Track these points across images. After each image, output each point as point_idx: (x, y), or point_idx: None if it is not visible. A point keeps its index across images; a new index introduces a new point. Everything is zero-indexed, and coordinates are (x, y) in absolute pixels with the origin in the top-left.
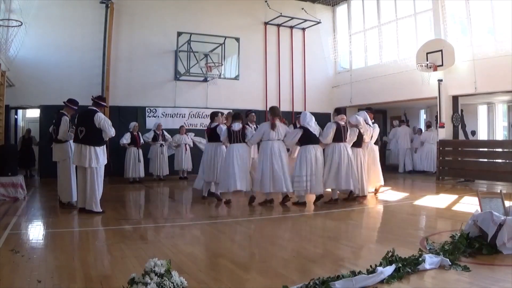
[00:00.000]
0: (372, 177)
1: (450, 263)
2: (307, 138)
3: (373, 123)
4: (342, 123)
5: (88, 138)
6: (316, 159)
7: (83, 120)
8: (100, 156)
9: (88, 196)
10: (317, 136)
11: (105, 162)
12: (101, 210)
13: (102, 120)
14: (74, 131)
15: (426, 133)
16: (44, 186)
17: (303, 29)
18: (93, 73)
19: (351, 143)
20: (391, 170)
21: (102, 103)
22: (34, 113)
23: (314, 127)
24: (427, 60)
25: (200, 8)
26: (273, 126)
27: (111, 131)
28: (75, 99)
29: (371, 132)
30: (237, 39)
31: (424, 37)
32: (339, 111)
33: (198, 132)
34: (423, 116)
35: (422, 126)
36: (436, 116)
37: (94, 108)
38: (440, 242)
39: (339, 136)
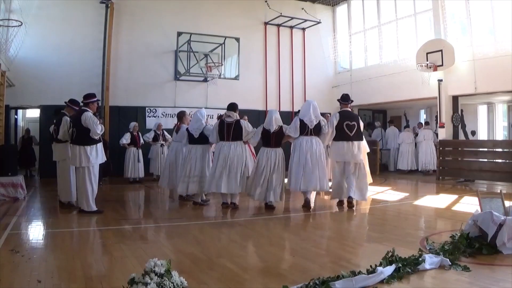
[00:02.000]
0: None
1: (450, 263)
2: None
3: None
4: (229, 120)
5: (78, 138)
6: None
7: (75, 121)
8: (91, 155)
9: (79, 195)
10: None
11: (100, 161)
12: (94, 210)
13: (88, 118)
14: None
15: (404, 133)
16: (44, 186)
17: (303, 29)
18: (93, 73)
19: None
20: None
21: (90, 100)
22: (34, 113)
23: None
24: (427, 60)
25: (200, 8)
26: (177, 130)
27: (96, 129)
28: (76, 100)
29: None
30: (237, 39)
31: (424, 37)
32: (230, 107)
33: None
34: (423, 116)
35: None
36: (436, 116)
37: (84, 108)
38: (440, 242)
39: (222, 135)
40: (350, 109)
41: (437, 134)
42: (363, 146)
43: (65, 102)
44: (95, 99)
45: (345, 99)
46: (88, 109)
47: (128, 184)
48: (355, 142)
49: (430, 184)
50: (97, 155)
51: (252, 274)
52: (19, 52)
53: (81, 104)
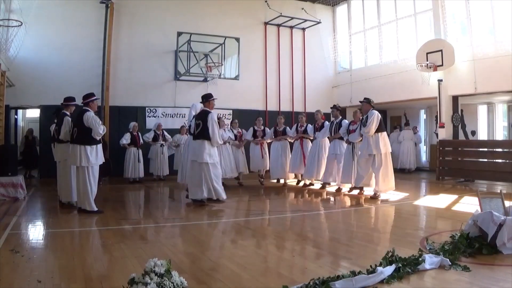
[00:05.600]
0: None
1: (450, 263)
2: None
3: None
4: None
5: (79, 138)
6: None
7: (76, 121)
8: (91, 155)
9: (81, 195)
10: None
11: (100, 161)
12: (95, 210)
13: (90, 118)
14: None
15: (392, 134)
16: (44, 186)
17: (303, 29)
18: (93, 73)
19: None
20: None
21: (90, 99)
22: (34, 113)
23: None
24: (427, 60)
25: (200, 8)
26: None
27: (99, 129)
28: (70, 96)
29: None
30: (237, 39)
31: (424, 37)
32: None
33: None
34: (423, 116)
35: (422, 126)
36: (436, 116)
37: (85, 108)
38: (440, 242)
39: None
40: (207, 108)
41: (437, 134)
42: (383, 144)
43: (62, 104)
44: (95, 97)
45: (204, 97)
46: (89, 109)
47: (128, 184)
48: (198, 141)
49: (430, 184)
50: (97, 155)
51: (252, 274)
52: (19, 52)
53: (81, 104)
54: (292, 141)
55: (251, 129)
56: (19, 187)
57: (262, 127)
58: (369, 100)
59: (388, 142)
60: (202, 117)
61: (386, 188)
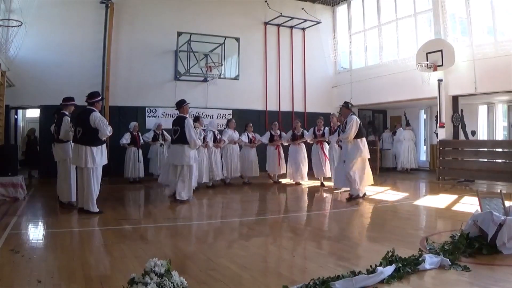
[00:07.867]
0: None
1: (450, 263)
2: None
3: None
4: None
5: (84, 138)
6: None
7: (80, 120)
8: (96, 156)
9: (84, 196)
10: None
11: (104, 162)
12: (97, 210)
13: (97, 119)
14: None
15: (384, 134)
16: (44, 186)
17: (303, 29)
18: (93, 73)
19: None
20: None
21: (96, 99)
22: (34, 113)
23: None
24: (427, 60)
25: (200, 8)
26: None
27: (106, 130)
28: (69, 96)
29: None
30: (237, 39)
31: (424, 37)
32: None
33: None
34: (423, 116)
35: (422, 126)
36: (436, 116)
37: (90, 108)
38: (440, 242)
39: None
40: (183, 114)
41: (437, 134)
42: (362, 150)
43: (61, 104)
44: (100, 97)
45: (178, 104)
46: (95, 109)
47: (128, 184)
48: (178, 146)
49: (430, 184)
50: (102, 156)
51: (252, 274)
52: (19, 52)
53: (86, 103)
54: (310, 141)
55: (267, 134)
56: (19, 187)
57: (278, 132)
58: (348, 105)
59: (366, 148)
60: (179, 123)
61: (362, 189)
